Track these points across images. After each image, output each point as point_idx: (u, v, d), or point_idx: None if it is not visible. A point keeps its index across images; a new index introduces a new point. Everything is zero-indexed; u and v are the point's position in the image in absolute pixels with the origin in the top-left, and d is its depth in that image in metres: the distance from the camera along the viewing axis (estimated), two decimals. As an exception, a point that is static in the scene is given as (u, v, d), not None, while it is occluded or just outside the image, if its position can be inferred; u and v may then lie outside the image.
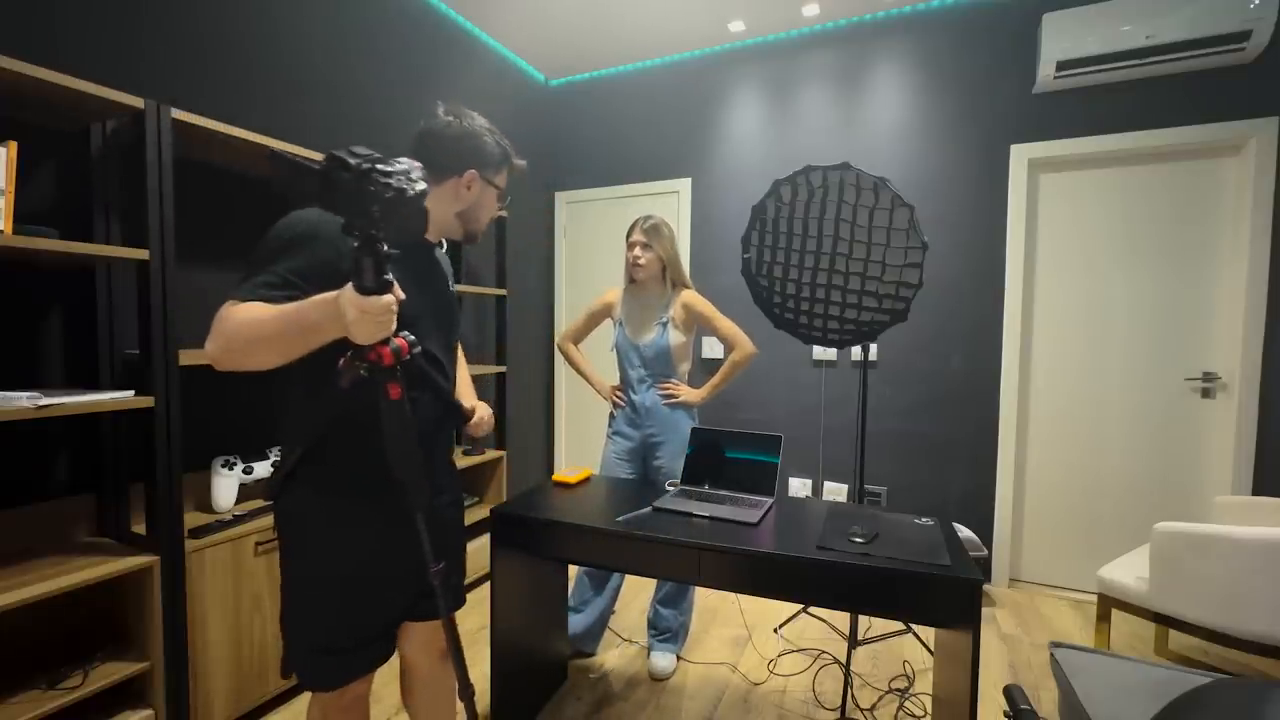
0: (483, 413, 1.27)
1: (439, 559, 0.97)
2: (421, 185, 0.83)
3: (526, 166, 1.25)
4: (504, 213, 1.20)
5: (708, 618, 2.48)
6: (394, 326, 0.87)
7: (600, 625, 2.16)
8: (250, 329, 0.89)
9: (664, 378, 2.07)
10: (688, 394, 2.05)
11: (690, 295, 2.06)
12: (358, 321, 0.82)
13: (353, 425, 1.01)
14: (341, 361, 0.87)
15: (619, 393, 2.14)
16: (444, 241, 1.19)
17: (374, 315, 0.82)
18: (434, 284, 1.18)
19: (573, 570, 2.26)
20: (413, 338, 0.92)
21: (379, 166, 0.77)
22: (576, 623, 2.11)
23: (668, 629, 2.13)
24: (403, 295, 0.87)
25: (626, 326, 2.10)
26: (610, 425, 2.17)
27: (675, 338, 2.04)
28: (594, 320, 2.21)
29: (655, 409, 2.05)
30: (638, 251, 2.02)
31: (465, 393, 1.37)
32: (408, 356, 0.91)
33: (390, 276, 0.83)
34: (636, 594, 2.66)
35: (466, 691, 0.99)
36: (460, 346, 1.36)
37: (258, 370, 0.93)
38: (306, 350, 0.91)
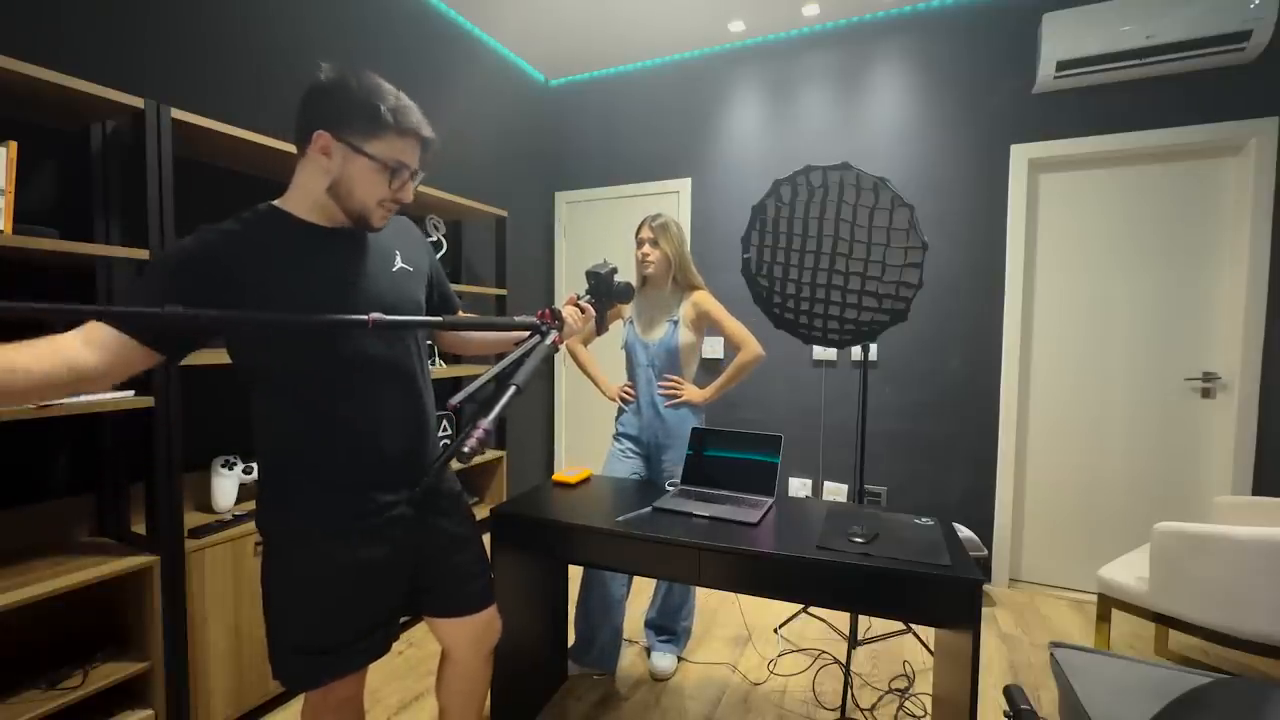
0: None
1: (433, 571, 1.10)
2: (621, 279, 1.34)
3: (433, 140, 1.03)
4: (404, 195, 1.04)
5: (708, 618, 2.48)
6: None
7: (615, 642, 2.08)
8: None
9: (670, 377, 2.03)
10: (691, 393, 2.01)
11: (701, 295, 2.02)
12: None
13: (325, 434, 1.01)
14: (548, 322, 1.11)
15: (628, 390, 2.10)
16: (431, 227, 1.03)
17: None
18: (363, 268, 1.05)
19: (573, 579, 2.25)
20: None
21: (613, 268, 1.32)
22: (589, 647, 2.04)
23: (670, 631, 2.13)
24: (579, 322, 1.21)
25: (636, 324, 2.09)
26: (616, 425, 2.14)
27: (684, 337, 2.01)
28: None
29: (662, 410, 2.02)
30: (646, 249, 2.01)
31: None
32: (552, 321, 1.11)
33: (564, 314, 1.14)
34: (637, 594, 2.65)
35: None
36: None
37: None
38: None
